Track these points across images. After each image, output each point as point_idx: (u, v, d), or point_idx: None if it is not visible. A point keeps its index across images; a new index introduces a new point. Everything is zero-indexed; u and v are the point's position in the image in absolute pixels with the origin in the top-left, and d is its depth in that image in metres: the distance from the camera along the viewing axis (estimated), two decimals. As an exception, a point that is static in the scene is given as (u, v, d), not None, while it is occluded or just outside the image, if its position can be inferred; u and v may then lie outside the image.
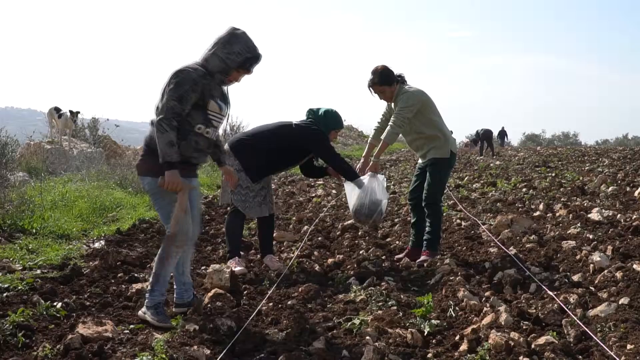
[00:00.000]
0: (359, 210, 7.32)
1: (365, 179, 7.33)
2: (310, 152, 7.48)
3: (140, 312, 5.49)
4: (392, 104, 7.49)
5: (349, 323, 5.14)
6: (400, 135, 7.54)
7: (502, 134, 48.62)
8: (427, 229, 7.48)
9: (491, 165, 21.77)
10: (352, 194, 7.42)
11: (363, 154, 7.81)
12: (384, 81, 7.30)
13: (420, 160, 7.76)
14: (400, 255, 7.80)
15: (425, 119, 7.34)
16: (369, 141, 7.93)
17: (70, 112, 19.99)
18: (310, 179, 17.97)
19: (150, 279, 5.49)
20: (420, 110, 7.26)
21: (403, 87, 7.36)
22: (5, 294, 5.87)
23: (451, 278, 6.34)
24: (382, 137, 7.38)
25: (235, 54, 5.35)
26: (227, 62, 5.36)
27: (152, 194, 5.50)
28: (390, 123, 7.28)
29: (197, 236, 5.94)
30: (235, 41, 5.38)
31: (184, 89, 5.15)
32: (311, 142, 7.29)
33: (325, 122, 7.41)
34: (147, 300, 5.43)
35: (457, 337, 4.82)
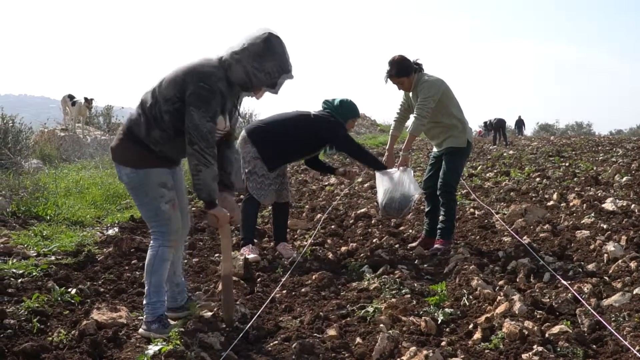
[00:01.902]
0: (389, 205, 7.29)
1: (396, 172, 7.30)
2: (326, 143, 7.45)
3: (141, 331, 4.79)
4: (411, 93, 7.43)
5: (363, 311, 5.14)
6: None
7: (520, 123, 48.40)
8: (441, 217, 7.46)
9: (504, 154, 21.71)
10: (382, 187, 7.38)
11: (387, 147, 7.80)
12: (402, 72, 7.22)
13: (435, 149, 7.70)
14: (414, 244, 7.79)
15: (444, 108, 7.27)
16: (390, 133, 7.88)
17: (85, 99, 20.02)
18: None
19: (146, 291, 4.85)
20: (440, 99, 7.19)
21: (422, 76, 7.28)
22: (20, 280, 5.92)
23: (465, 267, 6.32)
24: (409, 130, 7.36)
25: (265, 74, 4.60)
26: (253, 79, 4.62)
27: (132, 189, 4.83)
28: (414, 115, 7.23)
29: (187, 231, 5.42)
30: (269, 56, 4.59)
31: (213, 105, 4.51)
32: (332, 135, 7.26)
33: (341, 112, 7.38)
34: (147, 315, 4.79)
35: (471, 326, 4.82)
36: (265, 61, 4.57)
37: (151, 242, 4.88)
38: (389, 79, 7.33)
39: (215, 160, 4.53)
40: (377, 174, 7.48)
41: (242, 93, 4.88)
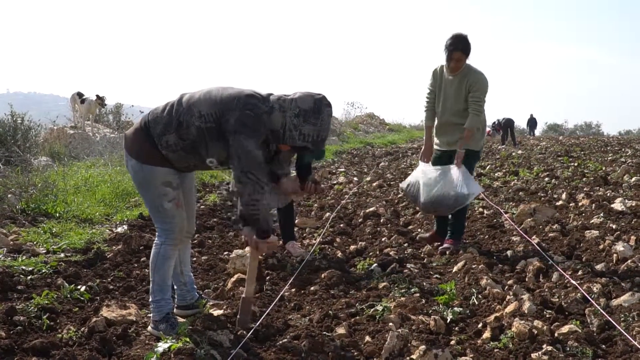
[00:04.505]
0: (439, 201, 7.06)
1: (452, 168, 7.08)
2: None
3: (150, 329, 4.85)
4: (451, 76, 7.18)
5: (372, 309, 5.15)
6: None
7: (532, 121, 48.08)
8: (451, 218, 7.43)
9: (513, 154, 21.67)
10: (434, 182, 7.12)
11: (424, 139, 7.61)
12: (468, 51, 7.03)
13: (443, 147, 7.40)
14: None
15: None
16: (425, 124, 7.60)
17: (97, 96, 19.99)
18: (331, 167, 18.04)
19: (151, 288, 4.87)
20: None
21: (470, 65, 7.13)
22: (29, 277, 5.94)
23: (474, 266, 6.33)
24: (466, 126, 7.08)
25: (300, 134, 4.44)
26: (286, 133, 4.45)
27: (136, 182, 4.84)
28: (471, 110, 7.03)
29: (193, 230, 5.36)
30: (313, 119, 4.43)
31: (261, 133, 4.43)
32: None
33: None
34: (154, 313, 4.82)
35: (480, 325, 4.83)
36: (306, 122, 4.42)
37: (155, 239, 4.88)
38: (453, 52, 7.01)
39: (267, 187, 4.45)
40: (431, 168, 7.27)
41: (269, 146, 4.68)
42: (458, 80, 7.11)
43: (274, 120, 4.44)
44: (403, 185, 7.63)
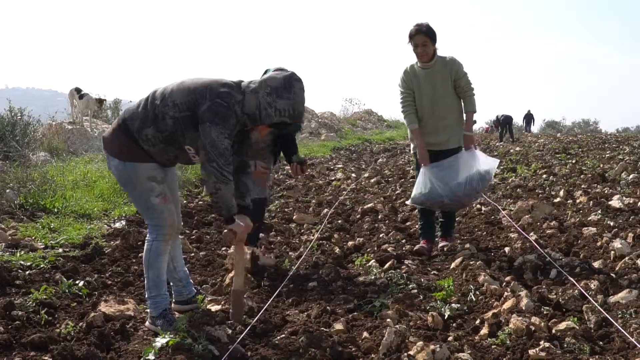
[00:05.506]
0: (468, 187, 6.81)
1: (467, 152, 6.97)
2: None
3: (147, 324, 4.83)
4: (425, 70, 6.99)
5: (370, 305, 5.17)
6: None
7: (528, 117, 47.90)
8: (441, 216, 7.43)
9: (511, 151, 21.66)
10: (463, 172, 6.85)
11: (418, 144, 7.06)
12: (432, 35, 6.85)
13: (433, 148, 7.08)
14: (423, 247, 7.36)
15: (459, 99, 7.11)
16: (412, 128, 7.09)
17: (99, 98, 20.02)
18: (329, 164, 18.04)
19: (146, 285, 4.86)
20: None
21: (441, 56, 6.99)
22: (28, 272, 5.94)
23: (471, 262, 6.33)
24: (470, 109, 7.05)
25: (275, 110, 4.48)
26: (262, 112, 4.50)
27: (121, 182, 4.84)
28: (468, 94, 7.00)
29: (180, 226, 5.24)
30: (285, 94, 4.49)
31: (230, 123, 4.44)
32: None
33: None
34: (150, 309, 4.80)
35: (478, 321, 4.85)
36: (279, 98, 4.47)
37: (147, 235, 4.89)
38: (416, 36, 6.83)
39: (231, 177, 4.46)
40: (439, 165, 6.93)
41: (248, 129, 4.74)
42: (440, 72, 6.98)
43: (249, 103, 4.51)
44: (413, 200, 7.16)
